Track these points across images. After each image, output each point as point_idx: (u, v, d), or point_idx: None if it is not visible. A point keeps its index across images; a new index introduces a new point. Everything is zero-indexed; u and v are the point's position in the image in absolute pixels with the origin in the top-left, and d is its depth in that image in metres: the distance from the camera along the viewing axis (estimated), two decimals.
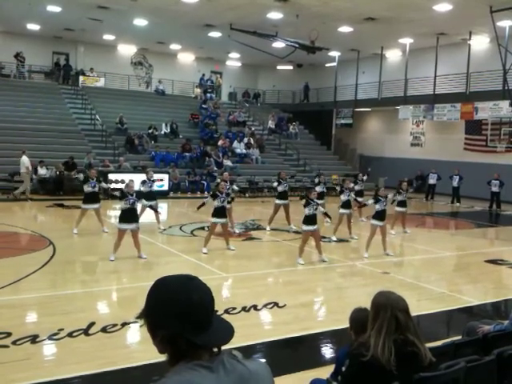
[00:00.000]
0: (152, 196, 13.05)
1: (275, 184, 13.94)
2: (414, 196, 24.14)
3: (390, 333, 2.83)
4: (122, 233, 9.55)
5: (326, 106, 30.07)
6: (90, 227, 12.49)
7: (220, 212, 10.46)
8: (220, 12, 20.37)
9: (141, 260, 9.66)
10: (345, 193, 13.03)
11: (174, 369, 1.50)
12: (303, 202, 10.19)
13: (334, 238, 12.41)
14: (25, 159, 18.18)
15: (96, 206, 12.19)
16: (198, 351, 1.51)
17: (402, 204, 13.70)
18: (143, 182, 13.05)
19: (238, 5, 19.24)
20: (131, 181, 10.36)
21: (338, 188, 13.43)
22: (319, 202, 13.95)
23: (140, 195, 13.32)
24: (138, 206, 10.44)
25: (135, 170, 20.86)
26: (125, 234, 9.57)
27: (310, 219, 9.95)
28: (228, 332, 1.57)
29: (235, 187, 13.75)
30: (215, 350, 1.54)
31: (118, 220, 9.87)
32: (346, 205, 12.88)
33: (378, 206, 10.97)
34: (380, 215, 10.88)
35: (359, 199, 15.32)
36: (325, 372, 4.09)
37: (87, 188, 12.19)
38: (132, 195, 9.72)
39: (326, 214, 10.60)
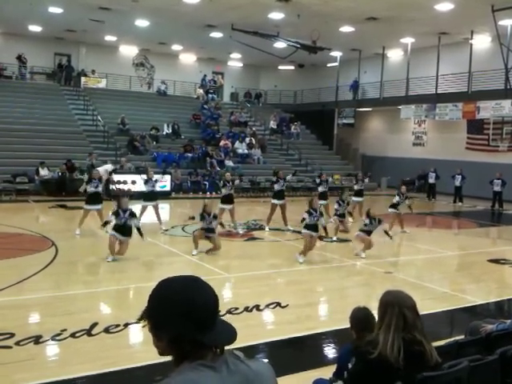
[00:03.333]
0: (153, 196, 13.08)
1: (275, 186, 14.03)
2: (416, 195, 24.13)
3: (398, 330, 2.81)
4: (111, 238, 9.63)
5: (328, 106, 30.07)
6: (92, 228, 12.51)
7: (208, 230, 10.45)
8: (221, 12, 20.38)
9: (143, 260, 9.68)
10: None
11: (178, 369, 1.50)
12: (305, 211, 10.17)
13: (335, 238, 12.40)
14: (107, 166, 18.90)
15: (98, 206, 12.19)
16: (202, 351, 1.51)
17: (394, 206, 13.75)
18: (146, 182, 13.06)
19: (239, 5, 19.25)
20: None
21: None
22: (322, 202, 14.33)
23: (141, 195, 13.33)
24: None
25: (137, 170, 20.88)
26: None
27: (310, 226, 10.01)
28: (231, 333, 1.58)
29: (237, 181, 13.82)
30: (218, 350, 1.55)
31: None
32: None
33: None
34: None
35: (359, 199, 15.47)
36: (327, 372, 4.09)
37: (89, 188, 12.20)
38: (125, 212, 9.75)
39: (324, 229, 10.43)
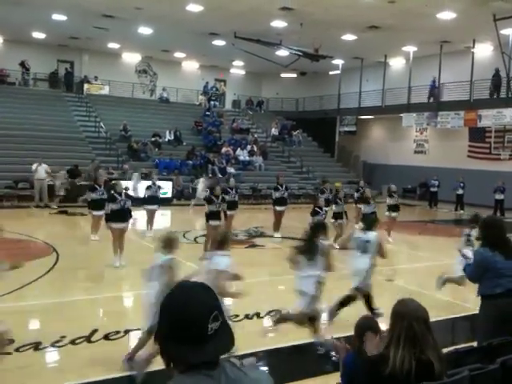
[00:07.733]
0: (155, 200, 13.06)
1: (274, 194, 14.05)
2: (418, 203, 24.11)
3: (409, 345, 2.68)
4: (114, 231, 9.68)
5: (330, 114, 30.11)
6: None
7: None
8: (224, 20, 20.47)
9: (144, 267, 9.64)
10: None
11: (176, 377, 1.51)
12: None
13: (336, 246, 12.36)
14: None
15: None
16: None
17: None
18: (148, 187, 13.08)
19: (242, 13, 19.33)
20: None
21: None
22: (325, 209, 14.51)
23: (143, 200, 13.30)
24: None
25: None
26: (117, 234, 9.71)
27: None
28: (225, 345, 1.55)
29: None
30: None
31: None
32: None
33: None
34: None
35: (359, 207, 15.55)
36: (327, 380, 4.07)
37: (95, 196, 12.21)
38: (120, 195, 9.76)
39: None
